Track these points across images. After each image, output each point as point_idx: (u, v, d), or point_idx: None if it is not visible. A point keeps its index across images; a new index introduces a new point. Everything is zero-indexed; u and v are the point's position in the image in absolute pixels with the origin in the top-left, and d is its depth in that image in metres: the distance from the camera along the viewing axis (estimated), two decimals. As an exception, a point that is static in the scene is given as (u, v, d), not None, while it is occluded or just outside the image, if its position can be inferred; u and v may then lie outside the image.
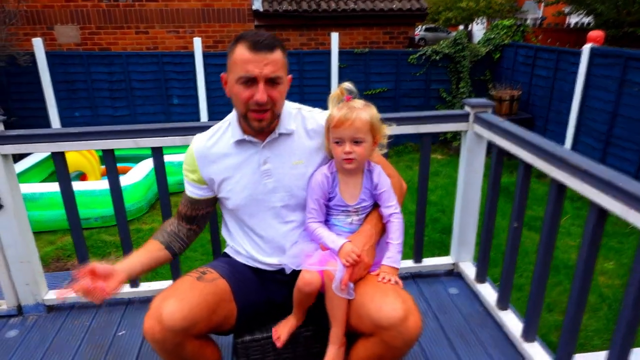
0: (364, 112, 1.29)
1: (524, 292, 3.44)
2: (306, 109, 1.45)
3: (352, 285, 1.27)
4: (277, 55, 1.25)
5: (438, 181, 5.97)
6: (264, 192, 1.39)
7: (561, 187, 1.51)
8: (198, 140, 1.43)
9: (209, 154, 1.40)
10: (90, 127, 1.89)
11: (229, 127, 1.41)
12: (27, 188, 4.49)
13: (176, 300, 1.19)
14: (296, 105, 1.46)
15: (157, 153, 1.92)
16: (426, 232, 4.47)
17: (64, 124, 6.69)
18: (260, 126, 1.30)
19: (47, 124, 6.50)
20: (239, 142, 1.38)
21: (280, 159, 1.38)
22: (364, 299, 1.23)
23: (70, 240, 3.19)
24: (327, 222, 1.40)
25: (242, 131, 1.37)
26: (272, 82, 1.25)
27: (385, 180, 1.39)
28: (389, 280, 1.27)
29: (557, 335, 2.97)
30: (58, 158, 1.89)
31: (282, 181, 1.38)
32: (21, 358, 1.80)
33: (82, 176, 5.54)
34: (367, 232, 1.34)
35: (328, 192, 1.36)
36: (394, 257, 1.34)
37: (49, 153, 1.92)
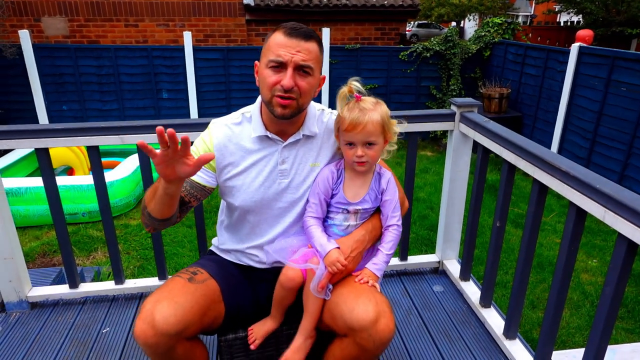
0: (376, 112, 1.26)
1: (509, 289, 3.48)
2: (328, 111, 1.44)
3: (330, 286, 1.27)
4: (312, 45, 1.23)
5: (427, 178, 6.00)
6: (276, 191, 1.36)
7: (543, 188, 1.53)
8: (220, 130, 1.36)
9: (230, 145, 1.35)
10: (76, 124, 1.86)
11: (250, 119, 1.37)
12: (12, 182, 4.44)
13: (169, 304, 1.17)
14: (319, 105, 1.44)
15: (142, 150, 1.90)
16: (414, 229, 4.53)
17: (51, 117, 6.62)
18: (283, 113, 1.24)
19: (34, 118, 6.42)
20: (260, 138, 1.35)
21: (299, 160, 1.36)
22: (338, 299, 1.23)
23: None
24: (324, 219, 1.38)
25: (265, 127, 1.34)
26: (302, 70, 1.23)
27: (395, 190, 1.37)
28: (367, 282, 1.27)
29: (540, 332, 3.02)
30: (42, 154, 1.87)
31: (296, 181, 1.37)
32: (3, 355, 1.78)
33: (69, 171, 5.48)
34: (358, 237, 1.33)
35: (331, 189, 1.34)
36: (379, 265, 1.32)
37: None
